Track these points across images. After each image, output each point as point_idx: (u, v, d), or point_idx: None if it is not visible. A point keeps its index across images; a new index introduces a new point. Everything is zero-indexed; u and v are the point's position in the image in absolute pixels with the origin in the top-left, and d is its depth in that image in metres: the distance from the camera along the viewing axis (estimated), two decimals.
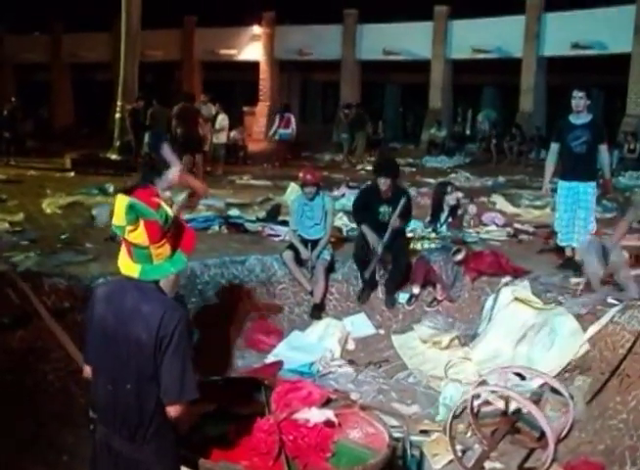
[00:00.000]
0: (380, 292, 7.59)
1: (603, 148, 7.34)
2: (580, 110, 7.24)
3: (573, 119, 7.33)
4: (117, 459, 2.95)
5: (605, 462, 4.81)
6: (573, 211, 7.34)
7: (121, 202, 2.77)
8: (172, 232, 2.89)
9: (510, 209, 11.82)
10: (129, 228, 2.78)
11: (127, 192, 2.83)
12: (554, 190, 7.67)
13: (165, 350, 2.81)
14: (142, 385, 2.86)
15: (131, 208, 2.76)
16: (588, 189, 7.25)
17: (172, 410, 2.88)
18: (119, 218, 2.78)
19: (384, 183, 7.37)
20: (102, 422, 3.00)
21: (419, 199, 11.97)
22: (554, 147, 7.56)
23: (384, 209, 7.44)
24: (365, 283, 7.54)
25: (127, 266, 2.88)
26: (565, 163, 7.46)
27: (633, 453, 4.79)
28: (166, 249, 2.87)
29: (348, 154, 20.55)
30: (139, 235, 2.79)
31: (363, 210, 7.65)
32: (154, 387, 2.86)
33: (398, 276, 7.46)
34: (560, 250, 7.81)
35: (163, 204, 2.88)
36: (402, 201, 7.37)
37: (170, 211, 2.90)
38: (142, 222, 2.77)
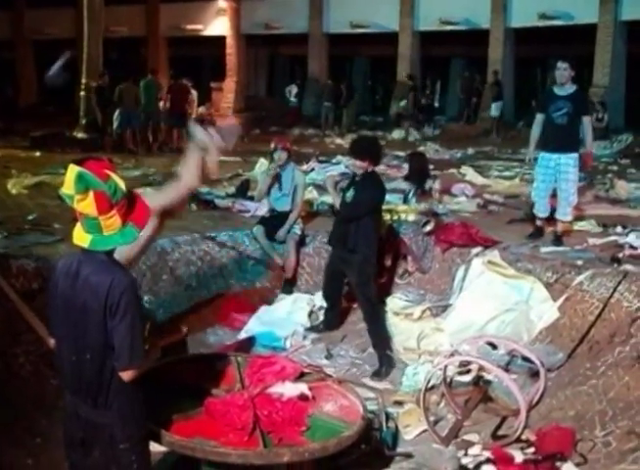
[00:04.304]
0: None
1: (586, 120, 7.28)
2: (564, 82, 7.17)
3: (557, 90, 7.28)
4: (85, 425, 3.12)
5: (575, 427, 4.88)
6: (551, 182, 7.33)
7: (71, 171, 2.85)
8: (124, 205, 2.96)
9: (479, 180, 11.88)
10: (78, 197, 2.86)
11: (79, 162, 2.89)
12: (536, 159, 7.59)
13: (113, 316, 2.92)
14: (99, 353, 3.00)
15: (80, 177, 2.83)
16: (569, 161, 7.20)
17: (124, 375, 3.02)
18: (69, 187, 2.86)
19: (353, 165, 6.26)
20: (69, 391, 3.17)
21: (388, 171, 11.99)
22: (539, 118, 7.46)
23: (349, 193, 6.24)
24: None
25: (79, 236, 2.98)
26: (547, 134, 7.37)
27: (603, 418, 4.88)
28: (116, 221, 2.94)
29: (328, 124, 21.96)
30: (88, 205, 2.87)
31: None
32: (109, 354, 2.99)
33: (377, 342, 6.22)
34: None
35: (114, 176, 2.93)
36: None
37: (122, 184, 2.95)
38: (91, 192, 2.85)
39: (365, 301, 6.26)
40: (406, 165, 9.96)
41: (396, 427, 5.22)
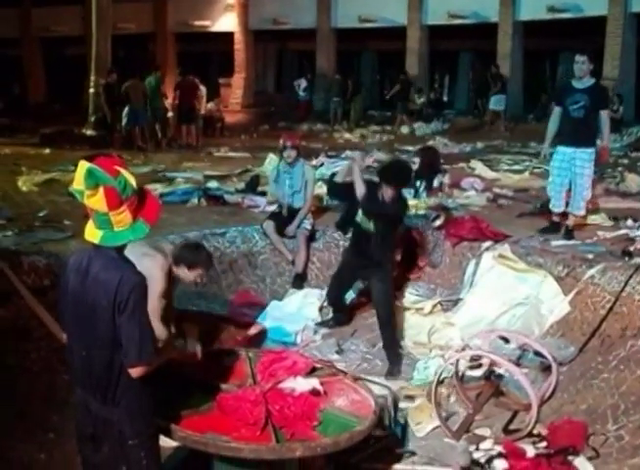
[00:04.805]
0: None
1: (604, 113, 7.12)
2: (582, 75, 7.04)
3: (575, 83, 7.14)
4: (95, 421, 3.14)
5: (587, 421, 4.88)
6: (566, 176, 7.24)
7: (82, 167, 2.87)
8: (134, 201, 2.98)
9: (489, 173, 11.83)
10: (88, 193, 2.88)
11: (89, 159, 2.91)
12: (552, 154, 7.45)
13: (122, 313, 2.94)
14: (108, 349, 3.02)
15: (90, 173, 2.85)
16: (584, 155, 7.09)
17: (133, 372, 3.03)
18: (79, 183, 2.88)
19: (385, 193, 5.89)
20: (79, 385, 3.19)
21: None
22: (556, 111, 7.33)
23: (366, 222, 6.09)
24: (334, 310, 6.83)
25: (90, 233, 3.00)
26: (563, 127, 7.24)
27: (615, 411, 4.87)
28: (127, 216, 2.96)
29: (337, 119, 22.24)
30: (98, 201, 2.89)
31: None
32: (118, 350, 3.01)
33: (389, 342, 6.15)
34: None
35: (124, 172, 2.94)
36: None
37: (132, 180, 2.96)
38: (101, 188, 2.87)
39: (383, 305, 6.17)
40: (416, 159, 9.90)
41: (407, 421, 5.22)
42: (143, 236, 3.05)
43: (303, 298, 7.03)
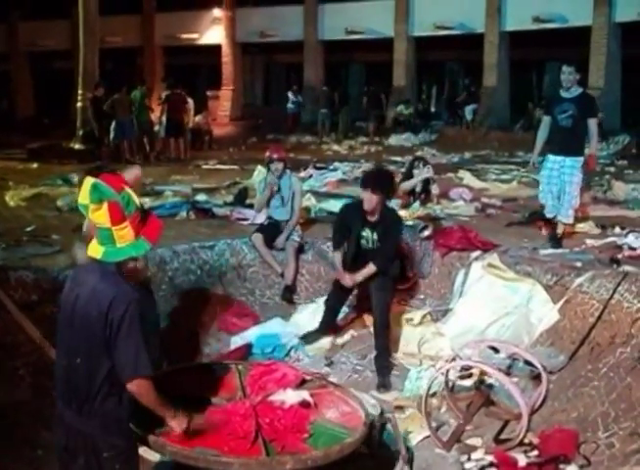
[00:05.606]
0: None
1: (592, 122, 7.15)
2: (570, 85, 7.10)
3: (563, 93, 7.19)
4: (67, 431, 3.16)
5: (578, 429, 4.88)
6: (555, 184, 7.26)
7: (87, 182, 2.97)
8: (136, 217, 3.05)
9: (477, 183, 11.89)
10: (92, 207, 2.97)
11: (94, 174, 3.00)
12: (541, 163, 7.51)
13: (117, 331, 2.98)
14: (90, 360, 3.05)
15: (95, 188, 2.95)
16: (574, 164, 7.13)
17: (131, 386, 3.06)
18: (84, 197, 2.98)
19: (368, 200, 5.91)
20: (58, 396, 3.22)
21: None
22: (545, 120, 7.41)
23: (366, 233, 6.10)
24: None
25: (93, 249, 3.08)
26: (552, 136, 7.31)
27: (605, 419, 4.87)
28: (129, 232, 3.03)
29: (325, 130, 22.33)
30: (101, 215, 2.97)
31: (341, 232, 6.29)
32: (102, 363, 3.04)
33: (383, 351, 6.09)
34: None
35: (128, 189, 3.03)
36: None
37: (135, 198, 3.04)
38: (105, 203, 2.96)
39: (381, 313, 6.12)
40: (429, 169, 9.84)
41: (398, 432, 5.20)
42: (144, 253, 3.12)
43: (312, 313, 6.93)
